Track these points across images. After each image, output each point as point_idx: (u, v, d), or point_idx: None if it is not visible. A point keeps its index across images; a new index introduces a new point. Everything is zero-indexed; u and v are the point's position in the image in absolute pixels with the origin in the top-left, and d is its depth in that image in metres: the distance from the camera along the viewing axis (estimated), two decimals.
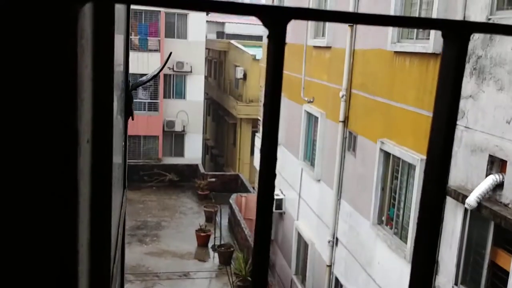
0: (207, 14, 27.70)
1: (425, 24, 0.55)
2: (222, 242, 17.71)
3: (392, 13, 8.83)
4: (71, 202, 0.51)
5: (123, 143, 1.83)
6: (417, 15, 8.39)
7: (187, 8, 0.48)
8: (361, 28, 10.29)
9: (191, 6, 0.48)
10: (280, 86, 0.51)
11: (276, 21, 0.49)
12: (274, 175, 0.48)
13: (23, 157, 0.47)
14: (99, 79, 0.75)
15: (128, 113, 1.75)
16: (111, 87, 0.89)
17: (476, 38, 6.71)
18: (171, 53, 3.37)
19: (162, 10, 25.60)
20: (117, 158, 1.40)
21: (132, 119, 1.89)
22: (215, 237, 17.94)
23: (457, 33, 0.51)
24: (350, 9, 10.50)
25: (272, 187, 0.49)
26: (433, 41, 7.57)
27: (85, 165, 0.64)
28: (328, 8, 11.82)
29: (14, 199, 0.49)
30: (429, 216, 0.55)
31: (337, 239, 11.32)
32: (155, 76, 2.62)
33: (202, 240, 18.10)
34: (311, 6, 12.84)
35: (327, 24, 11.88)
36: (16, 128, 0.46)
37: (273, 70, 0.50)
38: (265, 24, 0.50)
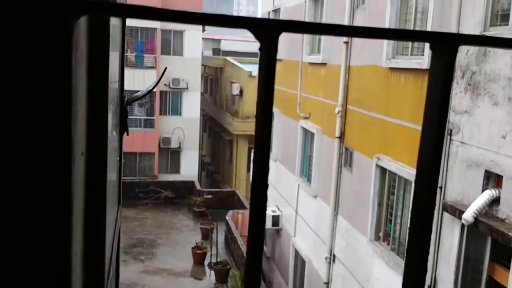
0: (203, 31, 27.89)
1: (413, 36, 0.55)
2: (219, 260, 17.58)
3: None
4: (65, 215, 0.51)
5: (118, 159, 1.83)
6: None
7: (180, 21, 0.48)
8: (356, 45, 10.38)
9: (184, 19, 0.49)
10: (272, 97, 0.51)
11: (267, 33, 0.49)
12: (267, 185, 0.48)
13: (16, 166, 0.47)
14: (94, 92, 0.74)
15: (123, 128, 1.75)
16: (106, 100, 0.89)
17: (470, 54, 6.77)
18: (165, 68, 3.39)
19: (158, 27, 25.77)
20: (112, 173, 1.40)
21: (127, 135, 1.88)
22: (211, 255, 17.81)
23: (445, 45, 0.51)
24: (345, 23, 10.60)
25: (264, 197, 0.49)
26: (428, 57, 7.64)
27: (79, 177, 0.63)
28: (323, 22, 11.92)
29: (5, 210, 0.48)
30: (420, 227, 0.55)
31: (334, 255, 11.25)
32: (150, 91, 2.62)
33: (198, 257, 17.96)
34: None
35: (323, 41, 11.98)
36: (9, 138, 0.46)
37: (265, 81, 0.50)
38: (257, 36, 0.51)
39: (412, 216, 0.53)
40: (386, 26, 8.92)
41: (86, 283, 0.79)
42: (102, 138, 0.84)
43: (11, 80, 0.46)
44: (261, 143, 0.51)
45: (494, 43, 0.58)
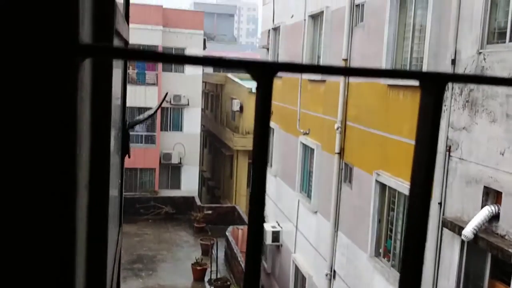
0: (204, 49, 28.09)
1: (402, 75, 0.59)
2: (219, 276, 17.47)
3: (385, 47, 9.01)
4: (68, 248, 0.54)
5: (119, 181, 1.86)
6: (409, 50, 8.55)
7: (181, 63, 0.52)
8: (355, 62, 10.47)
9: (184, 62, 0.53)
10: (267, 132, 0.55)
11: (263, 74, 0.53)
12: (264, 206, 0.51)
13: (22, 200, 0.50)
14: (97, 128, 0.79)
15: (124, 151, 1.79)
16: (109, 135, 0.93)
17: (468, 71, 6.84)
18: (167, 93, 3.44)
19: (160, 44, 25.96)
20: (113, 196, 1.43)
21: (129, 157, 1.92)
22: (211, 271, 17.71)
23: (433, 83, 0.55)
24: (344, 46, 10.70)
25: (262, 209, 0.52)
26: None
27: (82, 208, 0.67)
28: (323, 45, 12.03)
29: (12, 240, 0.51)
30: (415, 241, 0.58)
31: (334, 271, 11.21)
32: (152, 115, 2.67)
33: (198, 274, 17.85)
34: (305, 49, 13.09)
35: (322, 58, 12.08)
36: (15, 176, 0.50)
37: (261, 117, 0.54)
38: (254, 77, 0.55)
39: (406, 230, 0.57)
40: (385, 43, 9.01)
41: None
42: (105, 168, 0.88)
43: (18, 118, 0.49)
44: (258, 173, 0.54)
45: (480, 81, 0.62)
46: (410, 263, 0.57)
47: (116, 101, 1.49)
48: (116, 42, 1.22)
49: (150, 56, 0.54)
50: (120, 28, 1.21)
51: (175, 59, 0.54)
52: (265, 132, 0.55)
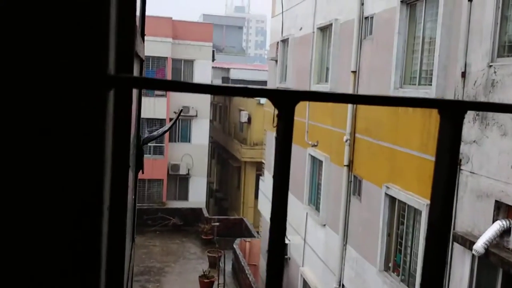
0: (213, 60, 28.26)
1: (421, 103, 0.59)
2: None
3: (394, 60, 9.00)
4: (94, 270, 0.54)
5: (133, 196, 1.87)
6: (418, 63, 8.54)
7: (203, 92, 0.52)
8: (364, 74, 10.47)
9: (207, 91, 0.52)
10: (289, 160, 0.55)
11: (286, 103, 0.53)
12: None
13: (52, 220, 0.50)
14: (118, 150, 0.79)
15: (138, 167, 1.79)
16: (128, 156, 0.93)
17: (478, 84, 6.81)
18: (181, 109, 3.46)
19: (169, 56, 26.15)
20: (128, 214, 1.43)
21: (142, 173, 1.93)
22: (218, 284, 17.63)
23: (452, 111, 0.55)
24: (353, 58, 10.71)
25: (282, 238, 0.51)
26: (435, 87, 7.69)
27: (104, 229, 0.67)
28: (331, 57, 12.06)
29: (41, 260, 0.52)
30: (434, 263, 0.57)
31: (343, 286, 11.11)
32: (166, 132, 2.69)
33: (206, 286, 17.78)
34: (314, 62, 13.13)
35: (331, 70, 12.10)
36: (44, 191, 0.50)
37: (282, 145, 0.54)
38: (276, 105, 0.54)
39: (425, 254, 0.56)
40: (394, 56, 9.01)
41: None
42: (124, 191, 0.89)
43: (56, 148, 0.50)
44: (279, 204, 0.54)
45: (497, 109, 0.61)
46: (430, 281, 0.57)
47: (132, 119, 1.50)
48: (135, 63, 1.23)
49: (171, 85, 0.54)
50: (138, 49, 1.22)
51: (197, 88, 0.54)
52: (287, 159, 0.54)
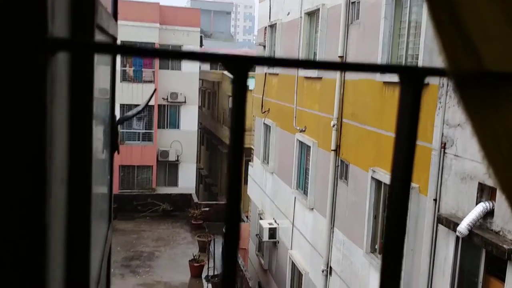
0: (200, 46, 28.05)
1: (382, 69, 0.60)
2: (216, 273, 17.52)
3: (380, 44, 9.02)
4: (39, 247, 0.53)
5: (109, 177, 1.87)
6: (404, 47, 8.57)
7: (166, 58, 0.53)
8: (350, 59, 10.47)
9: (158, 55, 0.53)
10: (243, 125, 0.56)
11: (238, 68, 0.54)
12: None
13: None
14: (77, 123, 0.79)
15: (114, 147, 1.79)
16: (90, 130, 0.93)
17: None
18: (155, 89, 3.45)
19: (157, 42, 25.92)
20: (100, 193, 1.44)
21: (118, 153, 1.93)
22: (208, 267, 17.75)
23: (411, 76, 0.55)
24: (340, 43, 10.70)
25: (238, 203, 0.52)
26: None
27: (58, 203, 0.68)
28: (319, 42, 12.03)
29: None
30: (395, 226, 0.58)
31: (330, 268, 11.24)
32: (140, 112, 2.68)
33: (196, 270, 17.89)
34: (301, 46, 13.09)
35: (318, 54, 12.09)
36: None
37: (237, 110, 0.55)
38: (229, 70, 0.56)
39: (387, 219, 0.58)
40: (380, 40, 9.02)
41: None
42: (86, 164, 0.89)
43: None
44: (233, 169, 0.55)
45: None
46: (391, 249, 0.58)
47: (103, 96, 1.50)
48: (101, 38, 1.23)
49: (125, 49, 0.55)
50: (104, 24, 1.22)
51: (147, 52, 0.54)
52: (241, 126, 0.56)
